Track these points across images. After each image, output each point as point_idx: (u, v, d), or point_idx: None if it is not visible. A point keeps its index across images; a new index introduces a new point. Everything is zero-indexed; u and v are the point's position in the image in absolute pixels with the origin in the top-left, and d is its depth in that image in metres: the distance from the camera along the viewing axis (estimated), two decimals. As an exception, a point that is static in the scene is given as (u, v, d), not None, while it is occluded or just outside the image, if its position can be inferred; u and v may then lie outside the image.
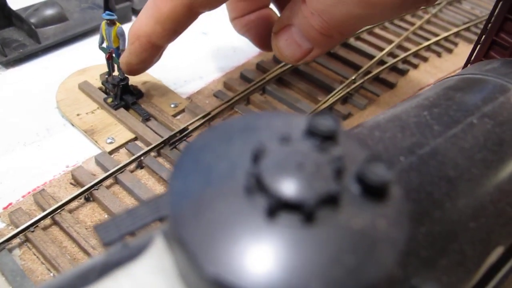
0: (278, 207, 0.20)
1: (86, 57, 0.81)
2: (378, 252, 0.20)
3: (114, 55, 0.69)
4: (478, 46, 0.64)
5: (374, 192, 0.22)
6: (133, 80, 0.74)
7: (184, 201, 0.21)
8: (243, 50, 0.89)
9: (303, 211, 0.20)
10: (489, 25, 0.61)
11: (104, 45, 0.69)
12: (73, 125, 0.70)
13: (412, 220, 0.30)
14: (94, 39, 0.86)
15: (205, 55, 0.87)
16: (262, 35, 0.68)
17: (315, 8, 0.50)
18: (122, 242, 0.27)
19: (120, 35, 0.68)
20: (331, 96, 0.78)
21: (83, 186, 0.60)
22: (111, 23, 0.67)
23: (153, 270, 0.23)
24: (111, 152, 0.66)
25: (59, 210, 0.57)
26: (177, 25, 0.59)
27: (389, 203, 0.22)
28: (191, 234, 0.20)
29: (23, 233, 0.55)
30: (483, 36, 0.62)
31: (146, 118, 0.70)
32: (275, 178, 0.21)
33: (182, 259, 0.21)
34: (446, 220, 0.32)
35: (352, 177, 0.22)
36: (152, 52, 0.63)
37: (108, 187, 0.62)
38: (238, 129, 0.25)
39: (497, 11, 0.60)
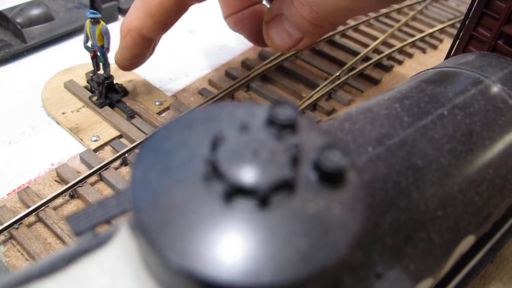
0: (233, 192, 0.21)
1: (72, 57, 0.82)
2: (331, 236, 0.21)
3: (98, 53, 0.69)
4: (457, 41, 0.65)
5: (330, 178, 0.23)
6: (118, 78, 0.75)
7: (144, 190, 0.22)
8: (229, 48, 0.89)
9: (257, 196, 0.21)
10: (467, 20, 0.62)
11: (89, 43, 0.69)
12: (58, 123, 0.71)
13: (378, 209, 0.31)
14: (80, 39, 0.86)
15: (191, 53, 0.88)
16: (257, 31, 0.69)
17: None
18: (92, 232, 0.28)
19: (104, 33, 0.68)
20: (315, 92, 0.78)
21: (68, 183, 0.60)
22: (95, 21, 0.67)
23: (117, 256, 0.24)
24: (96, 150, 0.67)
25: (43, 207, 0.58)
26: (166, 17, 0.60)
27: (345, 189, 0.23)
28: (151, 223, 0.21)
29: (7, 230, 0.55)
30: (462, 31, 0.63)
31: (131, 115, 0.71)
32: (231, 165, 0.22)
33: (145, 248, 0.22)
34: (413, 209, 0.32)
35: (309, 164, 0.23)
36: (144, 45, 0.65)
37: (92, 184, 0.62)
38: (199, 119, 0.25)
39: (474, 6, 0.61)
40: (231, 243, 0.20)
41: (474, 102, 0.41)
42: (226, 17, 0.72)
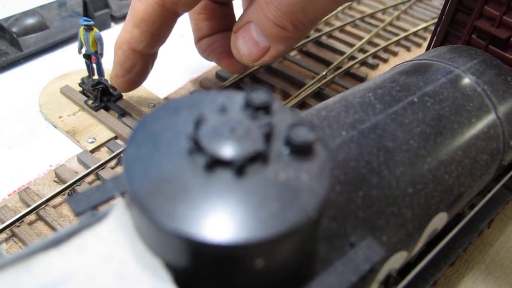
0: (213, 164, 0.24)
1: (67, 63, 0.85)
2: (300, 199, 0.24)
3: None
4: (435, 37, 0.68)
5: (299, 151, 0.26)
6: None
7: (136, 164, 0.25)
8: (219, 51, 0.93)
9: (234, 167, 0.24)
10: (443, 16, 0.65)
11: (83, 50, 0.72)
12: (55, 127, 0.73)
13: (351, 185, 0.34)
14: (74, 46, 0.89)
15: (182, 57, 0.91)
16: (227, 54, 0.67)
17: None
18: (91, 212, 0.31)
19: (98, 39, 0.71)
20: (303, 91, 0.81)
21: (66, 182, 0.63)
22: (88, 28, 0.70)
23: (114, 228, 0.27)
24: (92, 151, 0.69)
25: (43, 206, 0.61)
26: (152, 26, 0.59)
27: (313, 160, 0.26)
28: (144, 193, 0.24)
29: (9, 228, 0.58)
30: (439, 27, 0.67)
31: (121, 114, 0.73)
32: (211, 140, 0.25)
33: (139, 216, 0.25)
34: (384, 186, 0.35)
35: (281, 140, 0.26)
36: (136, 60, 0.63)
37: (90, 183, 0.65)
38: (185, 104, 0.28)
39: (449, 3, 0.64)
40: (213, 207, 0.23)
41: (443, 90, 0.44)
42: (198, 41, 0.71)
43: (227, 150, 0.24)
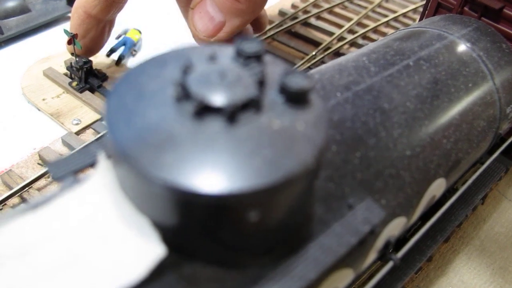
0: (202, 111, 0.22)
1: (50, 46, 0.82)
2: (295, 147, 0.22)
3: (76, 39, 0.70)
4: (427, 10, 0.67)
5: (294, 99, 0.24)
6: (97, 64, 0.76)
7: (119, 114, 0.23)
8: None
9: (225, 114, 0.22)
10: (434, -12, 0.64)
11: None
12: (39, 109, 0.71)
13: (347, 146, 0.32)
14: (57, 29, 0.87)
15: (168, 39, 0.89)
16: None
17: None
18: (72, 177, 0.29)
19: None
20: (293, 71, 0.80)
21: (50, 165, 0.61)
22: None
23: (96, 188, 0.25)
24: (77, 133, 0.67)
25: (27, 188, 0.58)
26: None
27: (308, 110, 0.24)
28: (128, 142, 0.22)
29: (-8, 211, 0.56)
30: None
31: (111, 98, 0.71)
32: (200, 87, 0.23)
33: (124, 169, 0.23)
34: (381, 147, 0.34)
35: (275, 89, 0.24)
36: (90, 25, 0.64)
37: (75, 165, 0.63)
38: (171, 56, 0.26)
39: (440, -26, 0.63)
40: (203, 156, 0.21)
41: (439, 54, 0.43)
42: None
43: (217, 97, 0.22)
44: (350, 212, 0.30)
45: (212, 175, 0.21)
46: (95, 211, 0.25)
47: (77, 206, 0.25)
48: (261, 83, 0.24)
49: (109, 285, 0.22)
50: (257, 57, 0.25)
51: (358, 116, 0.34)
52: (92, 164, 0.30)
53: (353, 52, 0.44)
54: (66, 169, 0.29)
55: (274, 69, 0.26)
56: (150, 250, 0.23)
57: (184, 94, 0.23)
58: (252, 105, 0.23)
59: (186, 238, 0.24)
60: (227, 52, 0.26)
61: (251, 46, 0.26)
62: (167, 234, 0.23)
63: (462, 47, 0.46)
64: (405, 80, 0.38)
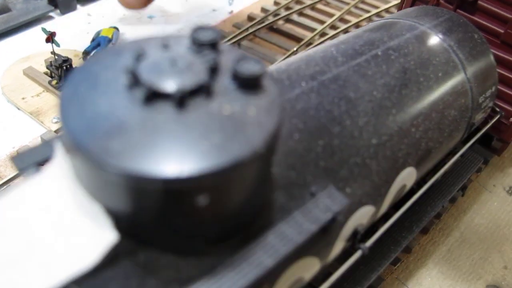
0: (152, 97, 0.22)
1: (30, 46, 0.82)
2: (246, 133, 0.22)
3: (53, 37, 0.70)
4: (404, 3, 0.67)
5: (247, 85, 0.24)
6: (77, 62, 0.75)
7: (72, 104, 0.23)
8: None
9: (174, 100, 0.22)
10: (411, -19, 0.64)
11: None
12: (19, 109, 0.71)
13: (310, 134, 0.33)
14: (38, 28, 0.86)
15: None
16: None
17: None
18: (35, 168, 0.29)
19: None
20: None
21: (29, 163, 0.61)
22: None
23: (54, 177, 0.25)
24: (57, 131, 0.67)
25: (5, 186, 0.58)
26: None
27: (261, 95, 0.24)
28: (81, 131, 0.22)
29: (-31, 210, 0.56)
30: (407, -7, 0.65)
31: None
32: (151, 73, 0.23)
33: (77, 158, 0.23)
34: (346, 135, 0.34)
35: (228, 75, 0.25)
36: None
37: (54, 163, 0.63)
38: (128, 46, 0.26)
39: (416, -33, 0.63)
40: (152, 141, 0.21)
41: (408, 44, 0.43)
42: None
43: (167, 83, 0.22)
44: (312, 200, 0.30)
45: (161, 160, 0.21)
46: (51, 200, 0.25)
47: (34, 196, 0.25)
48: (214, 70, 0.24)
49: (63, 272, 0.22)
50: (212, 45, 0.25)
51: (322, 105, 0.34)
52: (53, 156, 0.30)
53: (323, 44, 0.44)
54: (30, 161, 0.29)
55: (229, 56, 0.26)
56: (102, 236, 0.23)
57: (135, 81, 0.23)
58: (202, 91, 0.23)
59: (140, 225, 0.24)
60: (182, 41, 0.26)
61: (206, 34, 0.26)
62: (121, 221, 0.23)
63: (432, 37, 0.46)
64: (372, 70, 0.38)
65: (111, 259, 0.23)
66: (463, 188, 0.65)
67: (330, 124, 0.33)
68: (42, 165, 0.31)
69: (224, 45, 0.27)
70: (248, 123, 0.23)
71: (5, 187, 0.58)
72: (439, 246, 0.61)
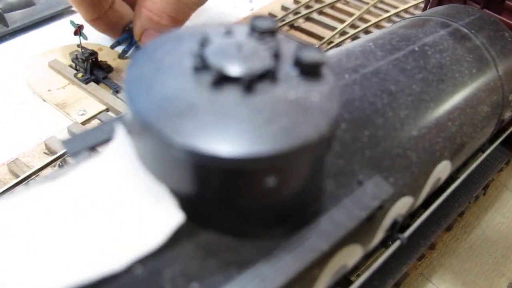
0: (220, 80, 0.23)
1: (54, 39, 0.83)
2: (311, 117, 0.23)
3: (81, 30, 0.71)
4: (429, 2, 0.67)
5: (308, 72, 0.25)
6: (102, 56, 0.76)
7: (139, 85, 0.24)
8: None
9: (242, 83, 0.23)
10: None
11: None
12: (44, 100, 0.72)
13: (356, 125, 0.33)
14: (62, 22, 0.87)
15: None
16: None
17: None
18: (87, 152, 0.29)
19: None
20: (296, 64, 0.80)
21: (56, 154, 0.62)
22: None
23: (114, 157, 0.26)
24: (83, 123, 0.68)
25: (33, 177, 0.59)
26: None
27: (322, 82, 0.25)
28: (149, 111, 0.23)
29: (-1, 199, 0.56)
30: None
31: (116, 90, 0.72)
32: (218, 58, 0.24)
33: (143, 138, 0.23)
34: (389, 126, 0.35)
35: (289, 62, 0.25)
36: None
37: (81, 154, 0.63)
38: (187, 33, 0.27)
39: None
40: (221, 123, 0.22)
41: (443, 41, 0.44)
42: (93, 20, 0.73)
43: (235, 67, 0.23)
44: (360, 188, 0.30)
45: (230, 140, 0.21)
46: (112, 180, 0.25)
47: (93, 177, 0.26)
48: (276, 56, 0.25)
49: (130, 252, 0.23)
50: (271, 33, 0.26)
51: (366, 96, 0.35)
52: (107, 141, 0.30)
53: (359, 39, 0.45)
54: (81, 145, 0.30)
55: (287, 44, 0.27)
56: (169, 217, 0.23)
57: (203, 65, 0.23)
58: (268, 76, 0.24)
59: (204, 207, 0.24)
60: (242, 29, 0.27)
61: (265, 23, 0.26)
62: (185, 202, 0.24)
63: (465, 34, 0.46)
64: (411, 64, 0.39)
65: (174, 240, 0.24)
66: (485, 187, 0.65)
67: (374, 115, 0.34)
68: (94, 149, 0.31)
69: (282, 34, 0.27)
70: (312, 108, 0.23)
71: (33, 177, 0.59)
72: (461, 244, 0.62)
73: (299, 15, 0.95)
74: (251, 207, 0.24)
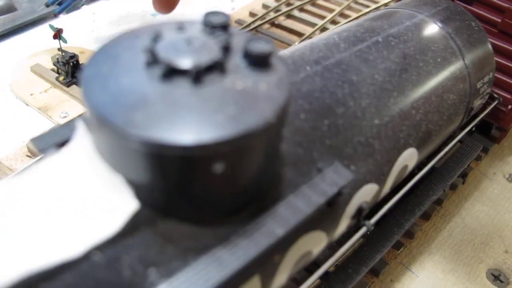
0: (170, 73, 0.24)
1: (37, 44, 0.84)
2: (258, 105, 0.24)
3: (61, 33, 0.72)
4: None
5: (257, 63, 0.26)
6: (83, 58, 0.77)
7: (95, 80, 0.25)
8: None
9: (191, 75, 0.24)
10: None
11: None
12: (27, 104, 0.73)
13: (316, 114, 0.34)
14: (44, 27, 0.88)
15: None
16: None
17: None
18: (55, 149, 0.30)
19: None
20: (276, 60, 0.81)
21: (39, 156, 0.62)
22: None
23: (75, 152, 0.27)
24: (65, 125, 0.69)
25: (16, 179, 0.60)
26: None
27: (271, 72, 0.26)
28: (104, 106, 0.24)
29: (-17, 202, 0.57)
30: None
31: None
32: (168, 52, 0.25)
33: (99, 131, 0.24)
34: (350, 115, 0.36)
35: (240, 54, 0.26)
36: None
37: (64, 156, 0.64)
38: (145, 29, 0.28)
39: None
40: (171, 113, 0.23)
41: (408, 31, 0.45)
42: None
43: (184, 60, 0.24)
44: (319, 175, 0.31)
45: (181, 129, 0.22)
46: (72, 172, 0.26)
47: (55, 170, 0.27)
48: (226, 49, 0.26)
49: (87, 239, 0.24)
50: (223, 27, 0.27)
51: (327, 87, 0.35)
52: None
53: (325, 32, 0.46)
54: (50, 142, 0.31)
55: (239, 38, 0.27)
56: (124, 205, 0.24)
57: (153, 60, 0.24)
58: (216, 67, 0.25)
59: (161, 195, 0.25)
60: (195, 25, 0.28)
61: (217, 18, 0.27)
62: (143, 191, 0.25)
63: (431, 25, 0.47)
64: (373, 55, 0.40)
65: (132, 227, 0.25)
66: (464, 176, 0.66)
67: (335, 105, 0.35)
68: (62, 146, 0.32)
69: (234, 28, 0.28)
70: (260, 97, 0.24)
71: (17, 179, 0.60)
72: (441, 232, 0.63)
73: (280, 12, 0.96)
74: (206, 194, 0.25)
